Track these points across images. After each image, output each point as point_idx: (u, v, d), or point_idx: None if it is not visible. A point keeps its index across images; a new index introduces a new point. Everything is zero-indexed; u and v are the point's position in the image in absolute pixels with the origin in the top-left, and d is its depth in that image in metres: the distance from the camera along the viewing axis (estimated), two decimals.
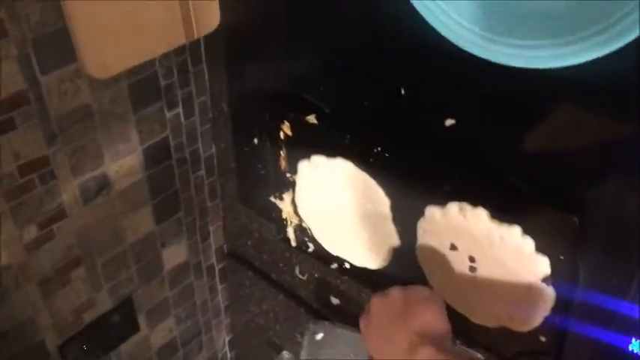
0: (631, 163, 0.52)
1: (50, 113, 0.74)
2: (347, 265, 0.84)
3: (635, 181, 0.52)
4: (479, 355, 0.69)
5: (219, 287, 1.17)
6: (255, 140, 0.86)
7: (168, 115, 0.89)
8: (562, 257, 0.59)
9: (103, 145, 0.82)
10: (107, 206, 0.87)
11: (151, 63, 0.82)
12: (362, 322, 0.60)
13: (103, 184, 0.85)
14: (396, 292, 0.60)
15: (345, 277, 0.89)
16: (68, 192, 0.81)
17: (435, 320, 0.56)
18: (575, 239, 0.57)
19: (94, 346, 0.96)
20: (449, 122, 0.62)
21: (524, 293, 0.63)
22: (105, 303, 0.95)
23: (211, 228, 1.08)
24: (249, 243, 1.06)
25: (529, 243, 0.60)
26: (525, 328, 0.66)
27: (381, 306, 0.59)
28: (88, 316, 0.93)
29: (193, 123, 0.93)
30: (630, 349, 0.59)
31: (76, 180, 0.81)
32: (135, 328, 1.02)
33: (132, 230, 0.93)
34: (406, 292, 0.59)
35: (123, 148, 0.85)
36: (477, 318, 0.70)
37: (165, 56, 0.83)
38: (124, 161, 0.86)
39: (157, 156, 0.91)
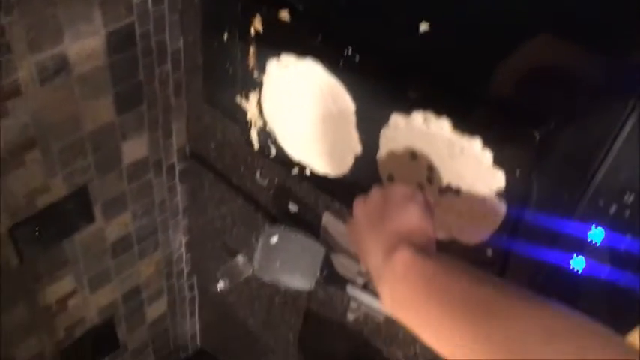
0: (597, 83, 0.52)
1: None
2: (307, 172, 0.84)
3: (600, 101, 0.52)
4: None
5: (179, 188, 1.17)
6: (225, 35, 0.84)
7: None
8: (518, 172, 0.59)
9: (63, 22, 0.78)
10: (65, 89, 0.84)
11: None
12: (348, 229, 0.55)
13: (62, 65, 0.81)
14: (375, 194, 0.55)
15: (305, 184, 0.90)
16: (24, 68, 0.78)
17: (414, 220, 0.51)
18: (533, 155, 0.57)
19: (46, 232, 0.96)
20: (423, 27, 0.61)
21: (478, 206, 0.64)
22: (59, 190, 0.93)
23: (174, 126, 1.06)
24: (212, 145, 1.05)
25: (487, 156, 0.60)
26: (473, 240, 0.68)
27: (362, 210, 0.55)
28: (42, 202, 0.92)
29: (162, 11, 0.89)
30: (571, 265, 0.61)
31: (33, 57, 0.78)
32: (90, 219, 1.02)
33: (91, 118, 0.90)
34: (385, 192, 0.54)
35: (85, 28, 0.81)
36: None
37: None
38: (85, 43, 0.82)
39: (121, 42, 0.87)
